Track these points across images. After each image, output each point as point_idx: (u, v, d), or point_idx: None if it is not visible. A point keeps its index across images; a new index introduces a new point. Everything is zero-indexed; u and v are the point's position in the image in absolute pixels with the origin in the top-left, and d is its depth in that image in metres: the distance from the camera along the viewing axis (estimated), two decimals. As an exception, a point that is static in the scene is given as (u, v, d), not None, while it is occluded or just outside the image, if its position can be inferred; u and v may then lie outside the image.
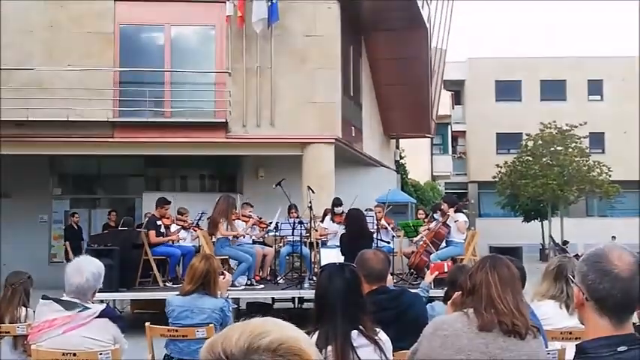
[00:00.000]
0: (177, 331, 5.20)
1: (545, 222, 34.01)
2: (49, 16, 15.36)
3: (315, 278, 10.00)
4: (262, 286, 11.72)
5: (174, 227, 12.52)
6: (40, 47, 15.28)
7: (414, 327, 3.52)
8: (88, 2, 15.45)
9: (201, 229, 12.27)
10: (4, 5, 15.10)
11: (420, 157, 34.44)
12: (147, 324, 5.38)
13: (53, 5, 15.38)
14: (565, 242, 32.01)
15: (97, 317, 4.21)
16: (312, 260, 12.31)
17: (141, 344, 5.35)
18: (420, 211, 15.33)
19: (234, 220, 11.44)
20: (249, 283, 11.42)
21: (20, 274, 5.64)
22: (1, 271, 9.86)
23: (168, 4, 15.67)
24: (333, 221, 12.52)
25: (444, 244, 11.75)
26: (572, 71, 40.17)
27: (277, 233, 12.60)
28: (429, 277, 6.44)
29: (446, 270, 6.60)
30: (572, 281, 2.22)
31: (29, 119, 14.48)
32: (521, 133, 36.72)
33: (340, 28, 16.07)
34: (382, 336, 3.48)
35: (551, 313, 4.59)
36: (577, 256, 3.95)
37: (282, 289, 11.63)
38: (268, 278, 12.44)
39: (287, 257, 12.76)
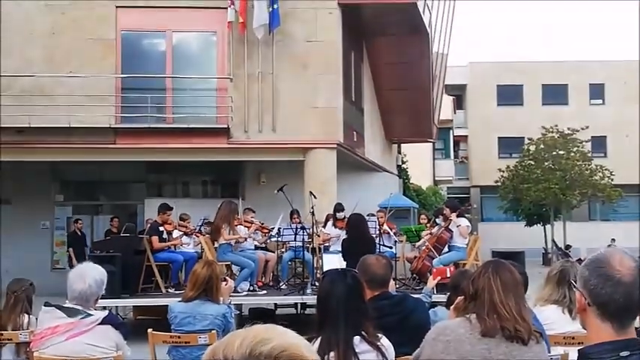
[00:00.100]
0: (179, 337, 5.20)
1: (548, 226, 33.98)
2: (51, 22, 15.39)
3: (317, 284, 9.99)
4: (265, 291, 11.72)
5: (176, 233, 12.52)
6: (41, 53, 15.31)
7: (417, 332, 3.52)
8: (89, 8, 15.48)
9: (204, 235, 12.27)
10: (5, 11, 15.13)
11: (421, 162, 34.44)
12: (149, 330, 5.38)
13: (54, 11, 15.41)
14: (568, 246, 32.00)
15: (99, 324, 4.21)
16: (315, 266, 12.31)
17: (143, 351, 5.35)
18: (423, 216, 15.34)
19: (236, 225, 11.44)
20: (251, 288, 11.41)
21: (22, 281, 5.65)
22: (3, 278, 9.86)
23: (170, 11, 15.68)
24: (335, 226, 12.52)
25: (446, 248, 11.73)
26: (574, 75, 40.20)
27: (279, 239, 12.62)
28: (431, 283, 6.44)
29: (448, 275, 6.59)
30: (574, 286, 2.22)
31: (31, 126, 14.49)
32: (523, 138, 36.75)
33: (341, 33, 16.09)
34: (384, 342, 3.47)
35: (553, 318, 4.59)
36: (580, 261, 3.95)
37: (285, 295, 11.63)
38: (271, 284, 12.43)
39: (289, 263, 12.76)
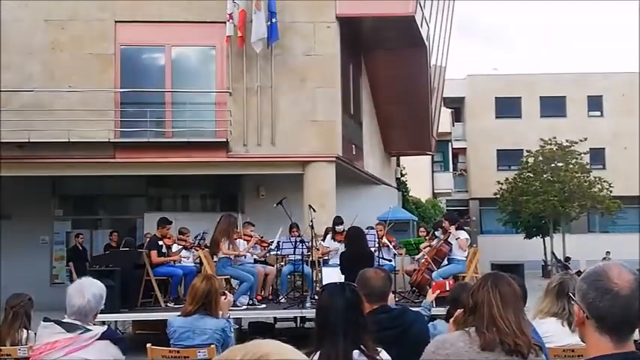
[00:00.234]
0: (178, 352, 5.19)
1: (547, 238, 33.96)
2: (50, 37, 15.44)
3: (316, 297, 9.98)
4: (264, 305, 11.69)
5: (175, 247, 12.51)
6: (40, 68, 15.36)
7: (416, 346, 3.51)
8: (88, 23, 15.54)
9: (203, 249, 12.25)
10: (5, 27, 15.19)
11: (420, 175, 34.44)
12: (148, 345, 5.37)
13: (54, 26, 15.47)
14: (567, 259, 31.95)
15: (98, 339, 4.19)
16: (314, 279, 12.29)
17: (142, 365, 5.34)
18: (422, 229, 15.32)
19: (235, 239, 11.43)
20: (250, 302, 11.38)
21: (21, 297, 5.64)
22: (2, 293, 9.84)
23: (169, 25, 15.74)
24: (335, 240, 12.50)
25: (445, 261, 11.72)
26: (572, 87, 40.28)
27: (279, 252, 12.60)
28: (430, 296, 6.42)
29: (447, 288, 6.58)
30: (573, 299, 2.22)
31: (30, 141, 14.51)
32: (522, 150, 36.78)
33: (340, 46, 16.15)
34: (384, 355, 3.47)
35: (553, 331, 4.58)
36: (579, 273, 3.95)
37: (284, 309, 11.59)
38: (270, 298, 12.40)
39: (289, 276, 12.74)
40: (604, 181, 33.04)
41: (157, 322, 10.37)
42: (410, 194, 30.09)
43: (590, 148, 35.10)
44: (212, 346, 5.10)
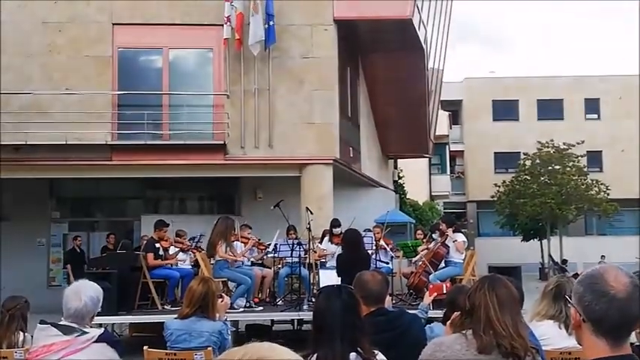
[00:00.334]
0: (175, 354, 5.18)
1: (545, 241, 33.98)
2: (48, 39, 15.43)
3: (314, 300, 9.97)
4: (261, 308, 11.67)
5: (172, 249, 12.49)
6: (38, 71, 15.35)
7: (413, 349, 3.51)
8: (86, 26, 15.54)
9: (200, 251, 12.24)
10: (3, 29, 15.17)
11: (418, 177, 34.46)
12: (145, 348, 5.36)
13: (51, 29, 15.46)
14: (564, 261, 32.01)
15: (95, 342, 4.19)
16: (311, 281, 12.28)
17: (139, 368, 5.33)
18: (419, 232, 15.33)
19: (232, 241, 11.41)
20: (247, 305, 11.36)
21: (17, 299, 5.63)
22: (2, 294, 9.84)
23: (166, 28, 15.74)
24: (332, 242, 12.49)
25: (442, 264, 11.71)
26: (569, 90, 40.36)
27: (276, 255, 12.59)
28: (427, 299, 6.44)
29: (444, 291, 6.59)
30: (569, 302, 2.22)
31: (27, 143, 14.50)
32: (519, 153, 36.83)
33: (337, 49, 16.16)
34: (381, 358, 3.46)
35: (550, 334, 4.58)
36: (576, 276, 3.96)
37: (281, 311, 11.59)
38: (267, 300, 12.40)
39: (286, 279, 12.73)
40: (601, 184, 33.10)
41: (153, 324, 10.36)
42: (407, 197, 30.10)
43: (588, 151, 35.18)
44: (209, 348, 5.09)
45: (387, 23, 16.64)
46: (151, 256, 11.70)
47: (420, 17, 17.98)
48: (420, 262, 12.17)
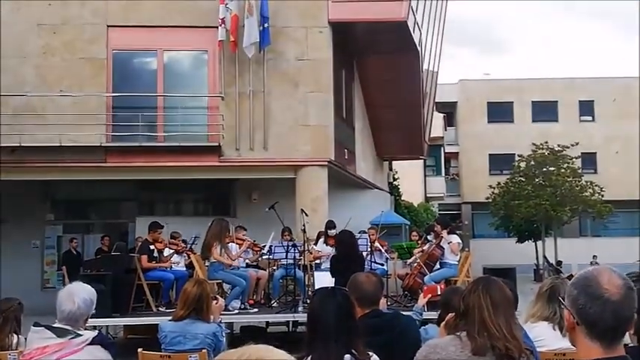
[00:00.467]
0: (170, 356, 5.17)
1: (539, 242, 34.06)
2: (42, 42, 15.40)
3: (309, 302, 9.97)
4: (256, 309, 11.65)
5: (167, 251, 12.47)
6: (33, 73, 15.31)
7: (408, 351, 3.51)
8: (80, 28, 15.51)
9: (195, 253, 12.22)
10: (-2, 31, 15.15)
11: (413, 179, 34.50)
12: (139, 350, 5.35)
13: (46, 31, 15.43)
14: (559, 262, 32.08)
15: (89, 344, 4.18)
16: (306, 283, 12.27)
17: (134, 370, 5.32)
18: (414, 233, 15.34)
19: (227, 243, 11.40)
20: (242, 307, 11.34)
21: (11, 301, 5.61)
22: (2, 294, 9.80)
23: (161, 30, 15.72)
24: (327, 244, 12.51)
25: (437, 265, 11.73)
26: (564, 92, 40.48)
27: (271, 256, 12.58)
28: (422, 300, 6.44)
29: (439, 293, 6.59)
30: (563, 304, 2.21)
31: (22, 145, 14.47)
32: (514, 154, 36.91)
33: (332, 51, 16.15)
34: (375, 360, 3.47)
35: (544, 335, 4.58)
36: (570, 277, 3.96)
37: (276, 313, 11.57)
38: (262, 302, 12.38)
39: (281, 280, 12.72)
40: (595, 186, 33.20)
41: (148, 326, 10.32)
42: (402, 198, 30.12)
43: (582, 153, 35.29)
44: (203, 350, 5.08)
45: (382, 25, 16.65)
46: (144, 258, 11.67)
47: (415, 19, 17.99)
48: (415, 264, 12.19)
